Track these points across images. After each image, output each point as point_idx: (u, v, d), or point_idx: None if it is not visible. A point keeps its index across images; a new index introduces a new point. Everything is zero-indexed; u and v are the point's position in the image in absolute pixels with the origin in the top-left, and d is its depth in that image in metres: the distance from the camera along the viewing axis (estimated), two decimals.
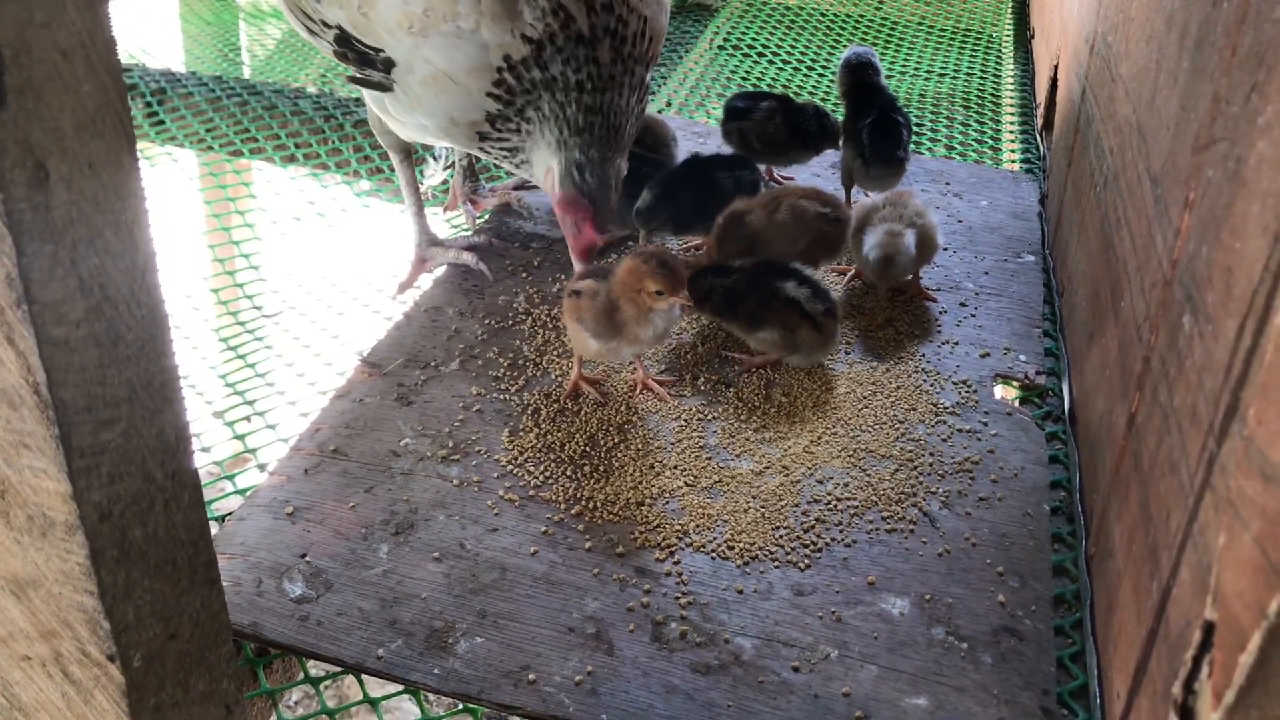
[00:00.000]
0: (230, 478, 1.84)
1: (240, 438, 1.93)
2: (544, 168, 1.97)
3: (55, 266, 0.78)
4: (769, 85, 3.37)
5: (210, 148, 2.86)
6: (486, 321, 2.14)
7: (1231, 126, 1.17)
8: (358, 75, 1.99)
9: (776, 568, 1.62)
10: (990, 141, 3.07)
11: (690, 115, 3.15)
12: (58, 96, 0.77)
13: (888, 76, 3.41)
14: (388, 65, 1.92)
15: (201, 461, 1.88)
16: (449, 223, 2.56)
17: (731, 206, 2.15)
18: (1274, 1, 1.10)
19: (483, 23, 1.84)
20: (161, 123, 2.95)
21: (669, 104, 3.21)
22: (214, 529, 1.66)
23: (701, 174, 2.27)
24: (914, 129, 2.94)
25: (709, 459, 1.81)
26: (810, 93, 3.33)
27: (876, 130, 2.39)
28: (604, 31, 1.89)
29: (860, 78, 2.53)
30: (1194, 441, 1.15)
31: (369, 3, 1.87)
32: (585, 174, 1.93)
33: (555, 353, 2.04)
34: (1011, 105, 3.29)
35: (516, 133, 1.96)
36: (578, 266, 2.01)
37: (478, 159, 2.59)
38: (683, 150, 2.54)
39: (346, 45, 1.95)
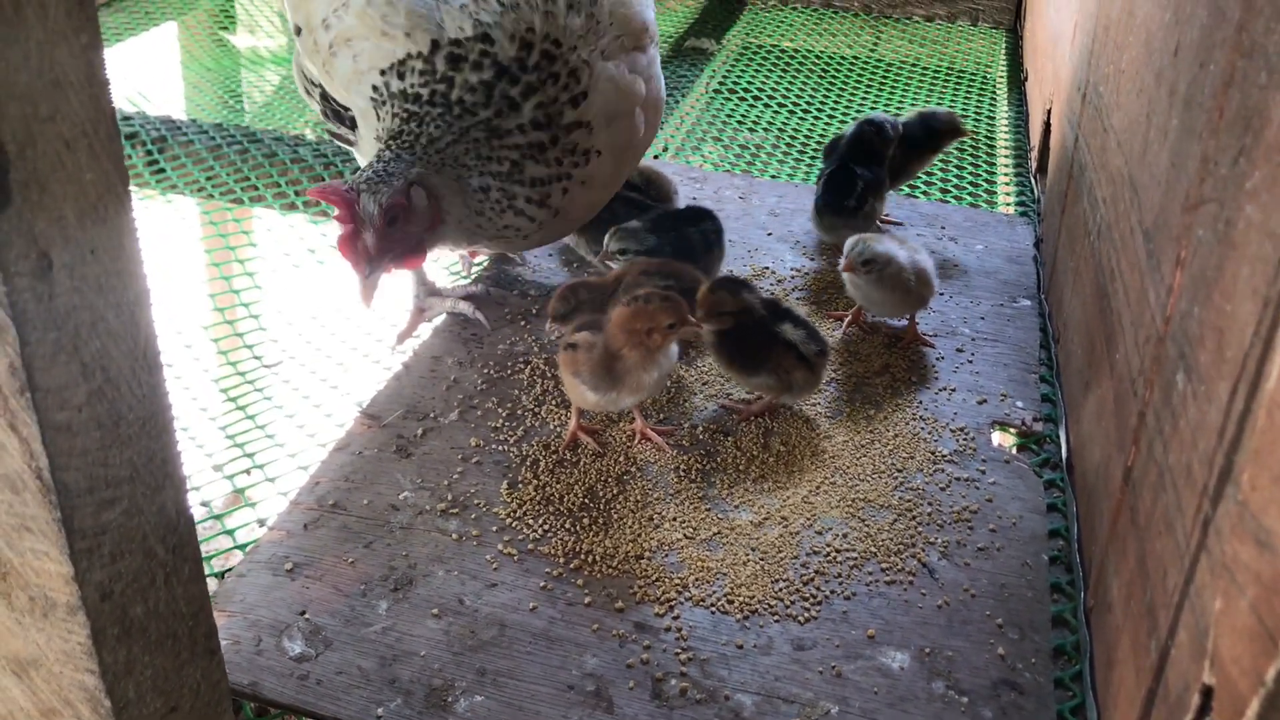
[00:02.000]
0: (230, 533, 1.84)
1: (240, 491, 1.93)
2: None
3: (58, 353, 0.79)
4: (765, 128, 3.40)
5: (210, 195, 2.88)
6: (485, 371, 2.15)
7: (1221, 188, 1.19)
8: (335, 131, 2.05)
9: (776, 621, 1.62)
10: (985, 184, 3.09)
11: (686, 160, 3.17)
12: (61, 187, 0.78)
13: None
14: (354, 124, 1.98)
15: (198, 515, 1.88)
16: (447, 270, 2.58)
17: (580, 280, 2.13)
18: (1259, 67, 1.12)
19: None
20: (162, 171, 2.97)
21: (665, 149, 3.23)
22: (213, 585, 1.66)
23: (675, 228, 2.32)
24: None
25: (708, 510, 1.81)
26: (806, 136, 3.35)
27: (832, 180, 2.48)
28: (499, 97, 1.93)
29: (863, 132, 2.54)
30: (1189, 501, 1.16)
31: (330, 61, 1.97)
32: (374, 167, 1.87)
33: (554, 402, 2.05)
34: (1006, 147, 3.32)
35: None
36: (353, 265, 1.90)
37: None
38: (682, 196, 2.58)
39: (326, 102, 2.04)
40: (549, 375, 2.12)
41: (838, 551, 1.74)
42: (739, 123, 3.45)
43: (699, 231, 2.31)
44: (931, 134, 2.66)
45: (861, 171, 2.47)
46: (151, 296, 0.91)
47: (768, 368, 1.98)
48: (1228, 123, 1.20)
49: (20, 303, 0.75)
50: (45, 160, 0.76)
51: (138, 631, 0.93)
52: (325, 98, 2.05)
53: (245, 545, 1.79)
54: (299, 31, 2.08)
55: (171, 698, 0.99)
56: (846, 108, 3.57)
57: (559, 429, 1.99)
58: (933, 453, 1.96)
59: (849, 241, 2.19)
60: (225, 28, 4.19)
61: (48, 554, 0.83)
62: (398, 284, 2.38)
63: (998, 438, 2.05)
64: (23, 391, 0.77)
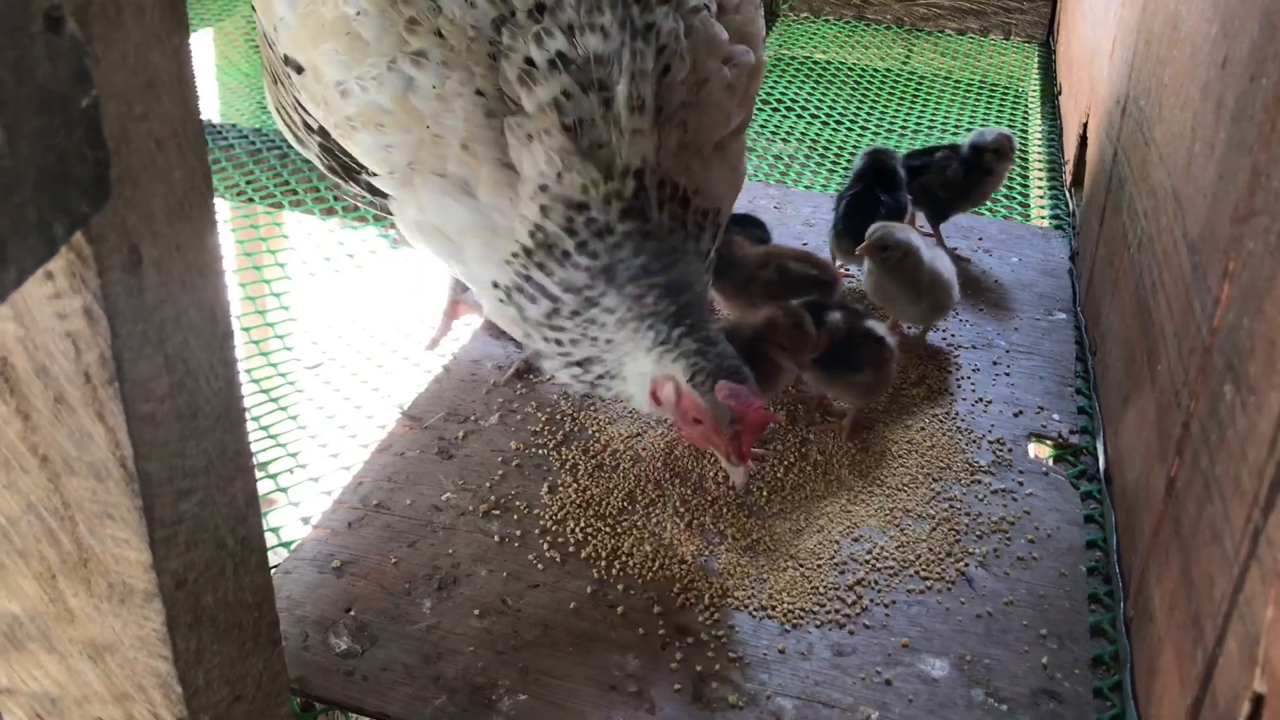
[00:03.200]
0: (275, 530, 1.86)
1: (284, 490, 1.96)
2: (646, 380, 1.59)
3: (145, 345, 0.81)
4: (798, 140, 3.42)
5: (250, 199, 2.91)
6: (524, 374, 2.17)
7: (1273, 201, 1.19)
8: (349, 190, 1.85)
9: (816, 627, 1.63)
10: (1019, 197, 3.10)
11: None
12: (151, 184, 0.80)
13: (915, 131, 3.46)
14: (372, 189, 1.77)
15: None
16: None
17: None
18: None
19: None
20: None
21: None
22: None
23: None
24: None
25: (747, 517, 1.83)
26: (839, 147, 3.37)
27: (855, 203, 2.44)
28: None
29: (879, 159, 2.54)
30: (1238, 512, 1.17)
31: (349, 133, 1.66)
32: (711, 358, 1.55)
33: (592, 407, 2.07)
34: (1039, 160, 3.32)
35: (576, 342, 1.62)
36: (740, 477, 1.65)
37: None
38: None
39: (330, 155, 1.81)
40: None
41: (876, 560, 1.75)
42: (772, 133, 3.47)
43: (754, 237, 2.32)
44: (978, 153, 2.61)
45: (885, 198, 2.46)
46: (229, 294, 0.94)
47: (866, 365, 1.97)
48: None
49: (112, 295, 0.77)
50: (138, 158, 0.78)
51: (208, 620, 0.95)
52: (330, 151, 1.72)
53: (289, 543, 1.82)
54: (300, 70, 1.65)
55: (236, 686, 1.02)
56: (880, 120, 3.59)
57: (597, 434, 2.01)
58: (970, 464, 1.97)
59: (872, 226, 2.17)
60: None
61: (128, 541, 0.85)
62: (437, 284, 2.40)
63: (1034, 450, 2.05)
64: (111, 382, 0.79)
